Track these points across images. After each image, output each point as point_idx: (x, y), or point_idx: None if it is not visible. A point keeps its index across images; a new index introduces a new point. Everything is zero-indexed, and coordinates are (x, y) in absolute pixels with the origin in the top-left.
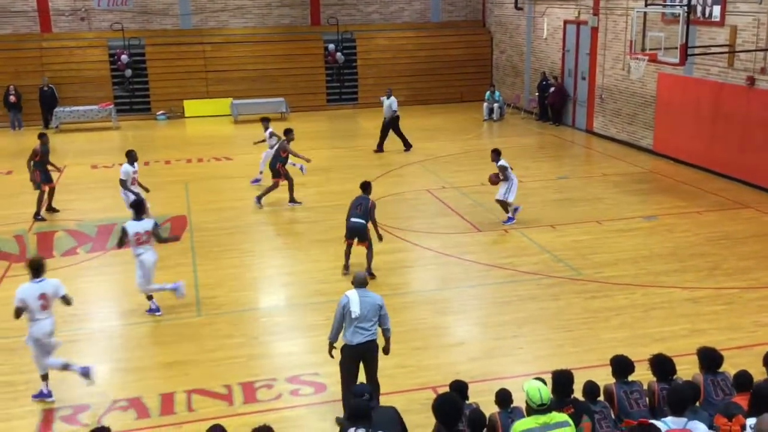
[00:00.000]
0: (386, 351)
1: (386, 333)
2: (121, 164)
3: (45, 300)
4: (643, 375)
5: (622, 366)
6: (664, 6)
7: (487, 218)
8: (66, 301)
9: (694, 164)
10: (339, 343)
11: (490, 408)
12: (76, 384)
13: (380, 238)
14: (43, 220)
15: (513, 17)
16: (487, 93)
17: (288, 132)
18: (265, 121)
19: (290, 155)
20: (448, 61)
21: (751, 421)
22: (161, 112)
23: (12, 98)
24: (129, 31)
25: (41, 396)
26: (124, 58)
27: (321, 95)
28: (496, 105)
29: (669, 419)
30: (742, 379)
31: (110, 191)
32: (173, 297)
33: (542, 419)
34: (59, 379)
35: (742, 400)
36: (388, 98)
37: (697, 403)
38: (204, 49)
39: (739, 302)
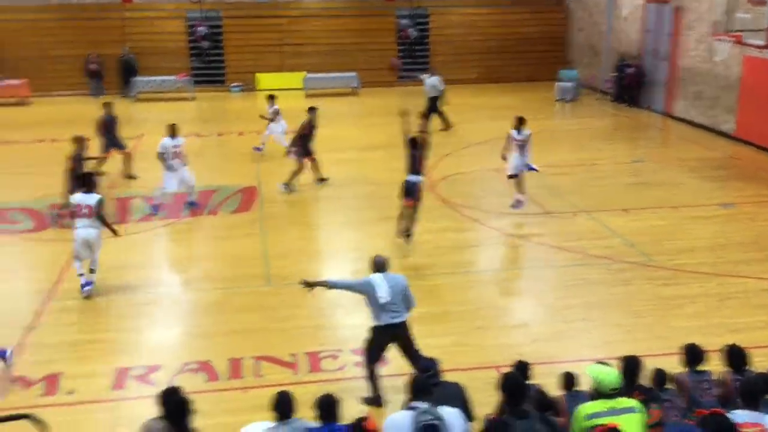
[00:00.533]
0: None
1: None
2: (186, 136)
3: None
4: (713, 366)
5: (694, 354)
6: None
7: (556, 200)
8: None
9: None
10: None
11: (550, 391)
12: (150, 345)
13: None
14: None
15: None
16: (562, 71)
17: (313, 109)
18: (272, 98)
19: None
20: (521, 39)
21: None
22: (235, 84)
23: (92, 66)
24: (207, 3)
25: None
26: (202, 29)
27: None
28: (570, 84)
29: (743, 412)
30: None
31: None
32: (248, 266)
33: (610, 403)
34: (132, 341)
35: None
36: (430, 77)
37: None
38: (280, 23)
39: None
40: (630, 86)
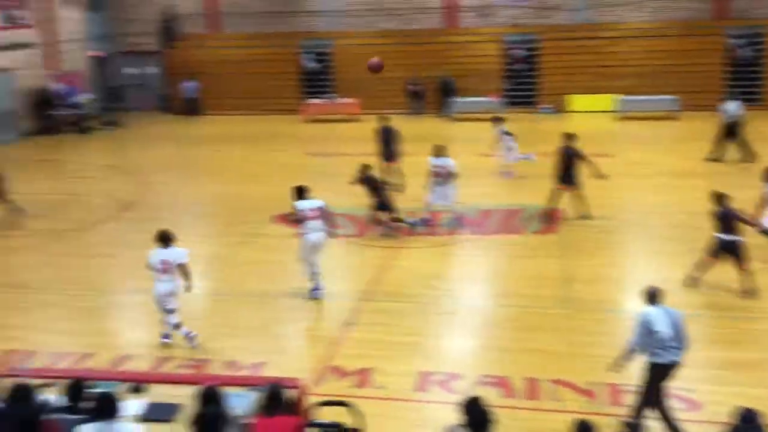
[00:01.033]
0: None
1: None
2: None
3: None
4: None
5: None
6: None
7: None
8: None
9: None
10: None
11: None
12: (450, 353)
13: None
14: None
15: None
16: None
17: (498, 120)
18: (498, 120)
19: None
20: None
21: None
22: (544, 105)
23: (415, 87)
24: (525, 27)
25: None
26: (520, 52)
27: (714, 94)
28: None
29: None
30: None
31: (491, 178)
32: (547, 286)
33: None
34: (435, 347)
35: None
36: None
37: None
38: (597, 44)
39: None
40: None
